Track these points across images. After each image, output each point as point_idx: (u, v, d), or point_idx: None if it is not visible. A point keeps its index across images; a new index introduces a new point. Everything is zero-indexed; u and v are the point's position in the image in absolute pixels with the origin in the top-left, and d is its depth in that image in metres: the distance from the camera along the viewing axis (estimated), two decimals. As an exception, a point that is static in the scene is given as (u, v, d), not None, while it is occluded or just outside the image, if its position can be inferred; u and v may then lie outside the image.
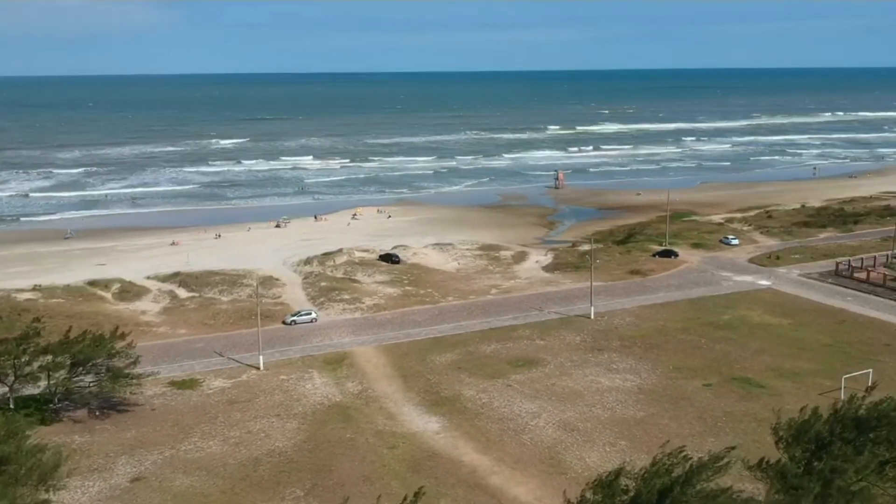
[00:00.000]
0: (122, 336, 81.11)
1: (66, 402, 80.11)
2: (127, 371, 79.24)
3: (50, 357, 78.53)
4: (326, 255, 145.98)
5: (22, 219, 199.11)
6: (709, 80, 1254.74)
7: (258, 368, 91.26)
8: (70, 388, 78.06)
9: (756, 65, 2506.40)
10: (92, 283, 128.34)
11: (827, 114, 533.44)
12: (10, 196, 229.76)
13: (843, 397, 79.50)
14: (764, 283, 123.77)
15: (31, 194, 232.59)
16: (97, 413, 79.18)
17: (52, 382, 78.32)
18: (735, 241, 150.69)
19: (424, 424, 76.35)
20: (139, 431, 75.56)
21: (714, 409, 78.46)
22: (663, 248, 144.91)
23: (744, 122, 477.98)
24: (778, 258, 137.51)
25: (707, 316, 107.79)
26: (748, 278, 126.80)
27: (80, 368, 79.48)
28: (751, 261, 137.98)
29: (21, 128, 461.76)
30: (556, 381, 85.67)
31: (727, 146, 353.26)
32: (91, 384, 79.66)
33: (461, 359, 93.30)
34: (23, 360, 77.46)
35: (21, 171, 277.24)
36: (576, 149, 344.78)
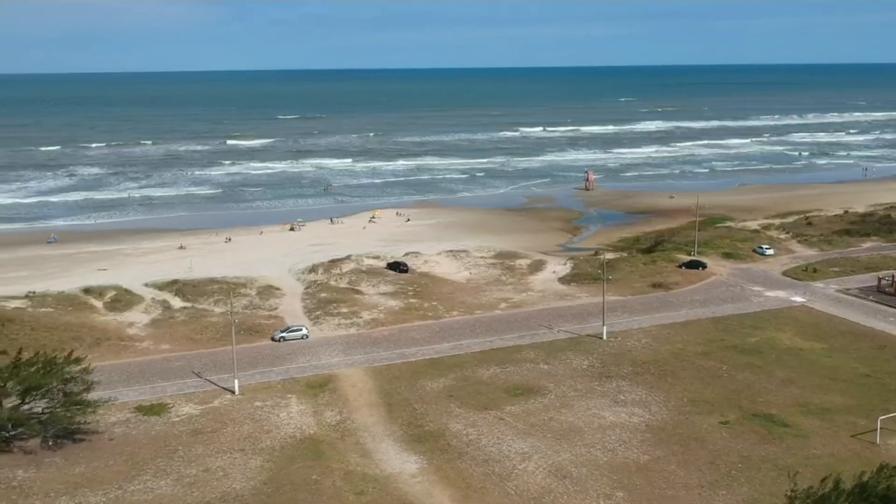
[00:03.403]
0: (77, 360, 74.54)
1: (21, 430, 73.70)
2: (81, 398, 72.61)
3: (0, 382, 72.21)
4: (333, 262, 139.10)
5: (38, 222, 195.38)
6: (756, 76, 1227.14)
7: (233, 393, 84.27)
8: (19, 416, 71.61)
9: (808, 60, 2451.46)
10: (87, 291, 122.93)
11: (881, 112, 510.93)
12: (28, 196, 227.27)
13: (878, 442, 70.31)
14: (798, 299, 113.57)
15: (47, 196, 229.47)
16: (50, 443, 72.71)
17: (1, 410, 72.00)
18: (770, 251, 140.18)
19: (401, 465, 68.50)
20: (89, 466, 68.88)
21: (729, 452, 69.29)
22: (691, 258, 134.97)
23: (791, 120, 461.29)
24: (815, 271, 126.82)
25: (732, 338, 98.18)
26: (781, 294, 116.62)
27: (34, 393, 73.17)
28: (785, 273, 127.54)
29: (57, 126, 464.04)
30: (555, 415, 77.15)
31: (772, 145, 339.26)
32: (45, 410, 73.33)
33: (455, 385, 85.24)
34: (-30, 384, 71.31)
35: (46, 171, 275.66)
36: (613, 148, 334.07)
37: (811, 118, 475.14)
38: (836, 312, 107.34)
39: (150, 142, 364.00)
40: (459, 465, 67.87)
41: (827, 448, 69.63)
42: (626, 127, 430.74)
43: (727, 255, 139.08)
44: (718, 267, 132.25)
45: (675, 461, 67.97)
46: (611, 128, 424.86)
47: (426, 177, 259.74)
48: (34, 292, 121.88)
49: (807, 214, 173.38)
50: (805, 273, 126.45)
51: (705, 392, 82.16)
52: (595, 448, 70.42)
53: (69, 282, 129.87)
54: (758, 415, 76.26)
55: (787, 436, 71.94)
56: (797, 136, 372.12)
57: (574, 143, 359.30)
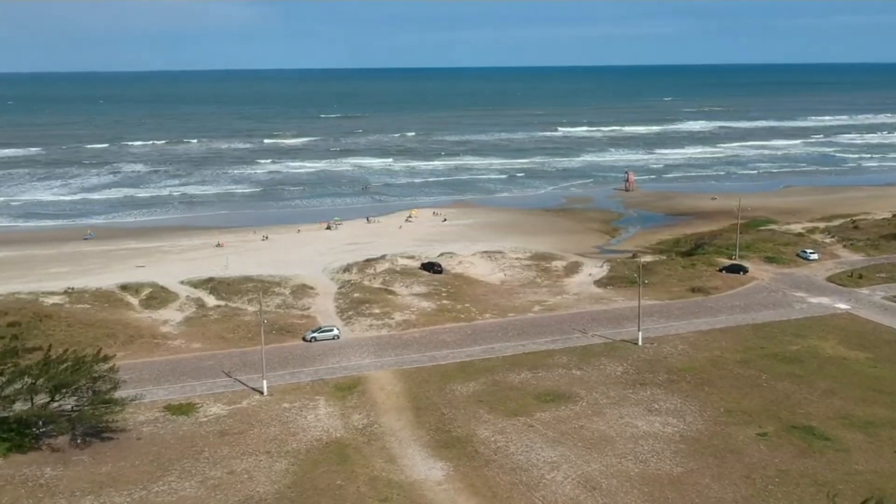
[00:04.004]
0: (105, 358, 74.72)
1: (50, 427, 74.05)
2: (108, 396, 72.70)
3: (30, 379, 72.59)
4: (368, 261, 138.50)
5: (79, 219, 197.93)
6: (804, 76, 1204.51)
7: (262, 393, 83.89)
8: (48, 414, 71.89)
9: (857, 59, 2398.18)
10: (124, 288, 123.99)
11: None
12: (71, 192, 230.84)
13: (924, 458, 67.38)
14: (842, 306, 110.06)
15: (89, 193, 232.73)
16: (78, 441, 72.92)
17: (29, 408, 72.34)
18: (814, 256, 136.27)
19: (427, 471, 67.33)
20: (115, 466, 68.85)
21: (766, 466, 66.88)
22: (732, 262, 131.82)
23: (842, 121, 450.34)
24: (861, 277, 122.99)
25: (772, 346, 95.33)
26: (824, 300, 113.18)
27: (64, 391, 73.45)
28: (829, 279, 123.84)
29: (107, 123, 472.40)
30: (586, 423, 75.36)
31: (819, 146, 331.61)
32: (75, 408, 73.54)
33: (484, 389, 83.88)
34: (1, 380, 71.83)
35: (90, 168, 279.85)
36: (655, 148, 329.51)
37: (862, 119, 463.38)
38: (882, 320, 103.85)
39: (194, 140, 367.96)
40: (486, 473, 66.50)
41: (870, 464, 66.89)
42: (670, 127, 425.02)
43: (770, 259, 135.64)
44: (760, 271, 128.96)
45: (710, 474, 65.79)
46: (654, 128, 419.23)
47: (465, 176, 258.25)
48: (73, 288, 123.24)
49: (853, 218, 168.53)
50: (850, 279, 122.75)
51: (743, 402, 79.67)
52: (626, 458, 68.51)
53: (107, 278, 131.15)
54: (797, 427, 73.67)
55: (828, 450, 69.30)
56: (846, 138, 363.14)
57: (616, 143, 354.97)
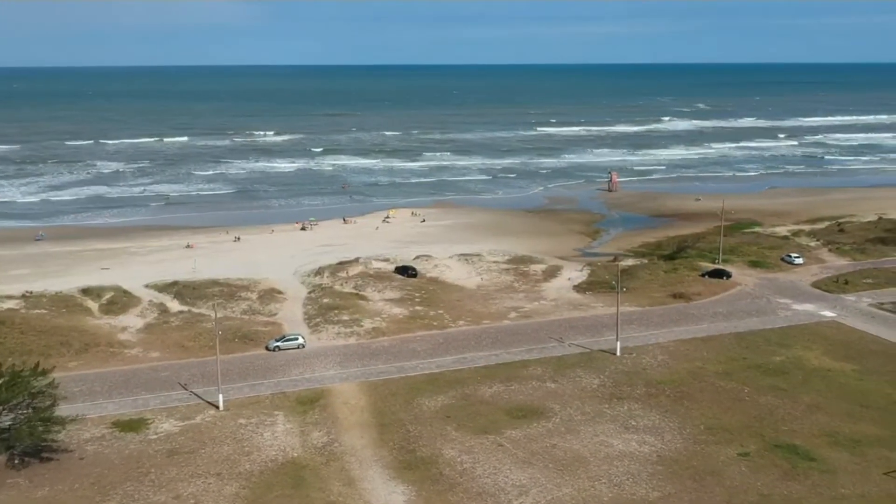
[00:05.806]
0: (44, 372, 69.80)
1: (-13, 446, 69.11)
2: (46, 414, 67.83)
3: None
4: (341, 264, 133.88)
5: (44, 219, 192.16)
6: (794, 76, 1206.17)
7: (217, 408, 79.22)
8: (-18, 432, 67.08)
9: (848, 59, 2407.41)
10: (85, 291, 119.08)
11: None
12: (39, 191, 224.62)
13: (915, 482, 63.51)
14: (828, 314, 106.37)
15: (59, 191, 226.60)
16: (16, 461, 68.08)
17: (-37, 426, 67.53)
18: (799, 260, 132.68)
19: (387, 496, 62.93)
20: (52, 490, 64.10)
21: (748, 490, 62.87)
22: (714, 266, 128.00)
23: (828, 121, 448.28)
24: (846, 283, 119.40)
25: (755, 356, 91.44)
26: (809, 307, 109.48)
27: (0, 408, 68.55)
28: (815, 285, 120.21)
29: (94, 119, 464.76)
30: (559, 442, 71.13)
31: (805, 146, 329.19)
32: (12, 427, 68.59)
33: (453, 404, 79.53)
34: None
35: (63, 166, 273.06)
36: (642, 148, 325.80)
37: (850, 119, 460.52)
38: (868, 329, 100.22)
39: (174, 137, 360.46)
40: (450, 499, 62.17)
41: (857, 487, 63.04)
42: (660, 126, 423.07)
43: (754, 264, 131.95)
44: (744, 276, 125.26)
45: (688, 499, 61.74)
46: (641, 127, 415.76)
47: (447, 176, 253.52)
48: (31, 292, 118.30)
49: (839, 220, 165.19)
50: (836, 285, 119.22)
51: (724, 418, 75.69)
52: (600, 482, 64.32)
53: (69, 281, 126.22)
54: (781, 445, 69.74)
55: (813, 471, 65.40)
56: (833, 138, 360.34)
57: (602, 142, 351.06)
